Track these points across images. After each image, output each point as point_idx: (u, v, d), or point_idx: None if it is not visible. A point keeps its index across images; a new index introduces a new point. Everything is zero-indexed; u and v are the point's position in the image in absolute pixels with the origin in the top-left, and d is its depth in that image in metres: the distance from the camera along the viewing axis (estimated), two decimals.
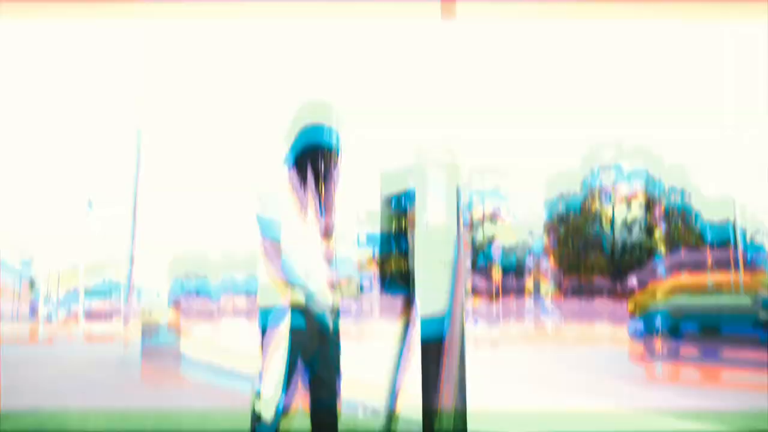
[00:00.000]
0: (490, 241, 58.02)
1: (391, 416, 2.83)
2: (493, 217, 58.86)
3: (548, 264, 55.83)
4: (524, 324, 31.49)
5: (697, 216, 48.15)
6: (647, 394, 6.86)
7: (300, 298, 2.25)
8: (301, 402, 2.40)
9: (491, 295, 48.93)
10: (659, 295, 9.83)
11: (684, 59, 56.54)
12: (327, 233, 2.49)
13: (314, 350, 2.31)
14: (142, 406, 4.96)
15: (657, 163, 49.18)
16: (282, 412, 2.25)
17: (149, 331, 9.16)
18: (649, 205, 50.46)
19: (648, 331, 8.67)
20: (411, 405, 4.11)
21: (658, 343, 8.44)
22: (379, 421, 2.86)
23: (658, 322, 8.63)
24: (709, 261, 36.15)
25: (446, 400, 2.44)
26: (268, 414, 2.22)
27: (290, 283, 2.25)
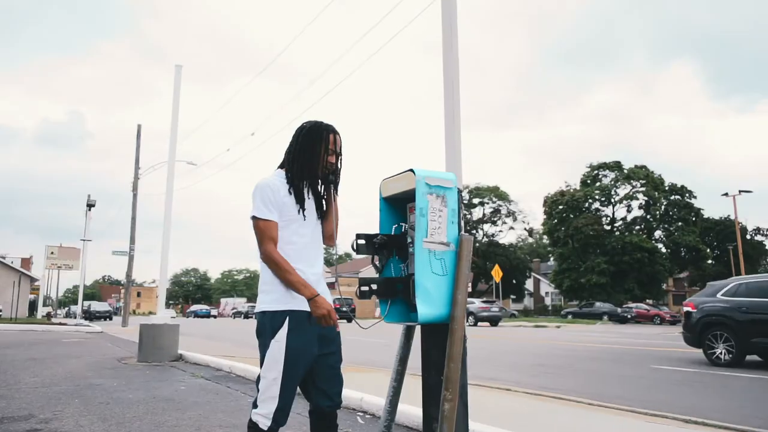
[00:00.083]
0: (491, 241, 58.05)
1: (391, 420, 2.83)
2: (493, 217, 58.89)
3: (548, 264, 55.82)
4: (524, 324, 31.62)
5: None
6: None
7: (300, 301, 2.25)
8: (301, 404, 2.40)
9: (491, 295, 48.97)
10: None
11: None
12: (328, 235, 2.49)
13: (314, 353, 2.31)
14: (142, 406, 4.95)
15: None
16: (282, 415, 2.25)
17: (149, 331, 9.18)
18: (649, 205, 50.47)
19: None
20: (412, 408, 4.11)
21: None
22: (380, 425, 2.86)
23: None
24: None
25: (447, 402, 2.44)
26: (267, 416, 2.22)
27: (290, 285, 2.24)
